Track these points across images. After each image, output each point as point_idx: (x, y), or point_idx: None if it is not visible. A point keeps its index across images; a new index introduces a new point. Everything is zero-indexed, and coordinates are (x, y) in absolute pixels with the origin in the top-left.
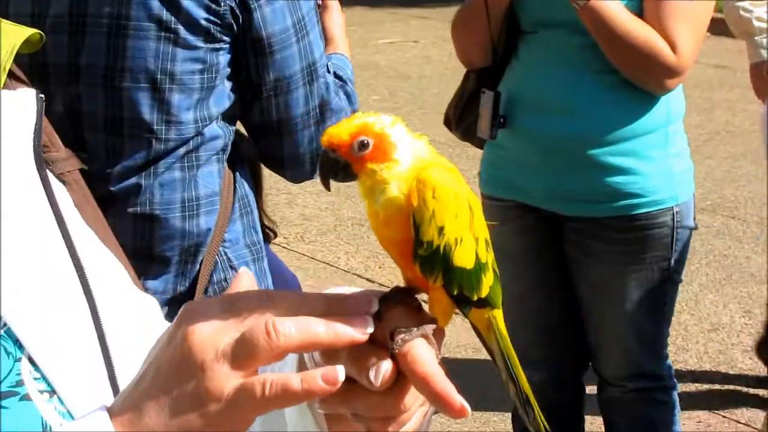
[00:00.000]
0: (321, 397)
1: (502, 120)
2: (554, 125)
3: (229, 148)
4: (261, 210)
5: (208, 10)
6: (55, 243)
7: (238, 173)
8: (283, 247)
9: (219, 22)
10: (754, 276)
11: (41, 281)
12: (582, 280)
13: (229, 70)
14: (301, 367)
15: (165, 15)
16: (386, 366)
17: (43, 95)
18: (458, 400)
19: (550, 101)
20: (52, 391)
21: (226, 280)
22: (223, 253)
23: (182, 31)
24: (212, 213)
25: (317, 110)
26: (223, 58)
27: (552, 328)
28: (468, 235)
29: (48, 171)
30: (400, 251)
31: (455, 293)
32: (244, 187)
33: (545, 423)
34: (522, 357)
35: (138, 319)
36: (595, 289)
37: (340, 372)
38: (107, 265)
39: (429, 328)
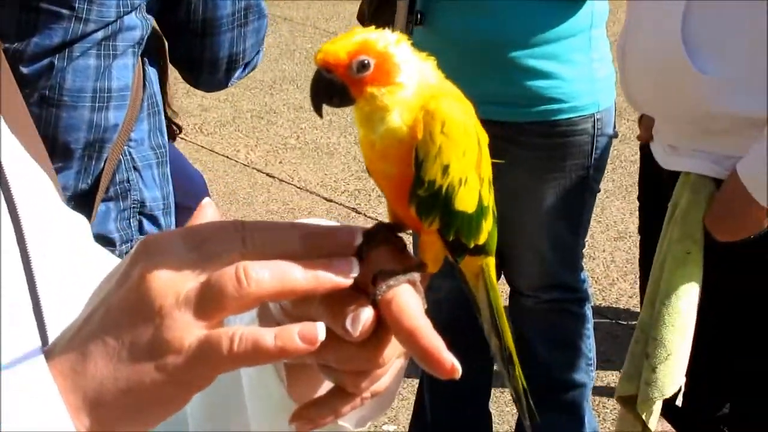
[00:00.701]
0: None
1: (419, 17)
2: (473, 25)
3: (145, 42)
4: (167, 106)
5: None
6: None
7: (148, 71)
8: (182, 139)
9: None
10: None
11: None
12: (499, 186)
13: None
14: (263, 311)
15: None
16: (367, 314)
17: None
18: (449, 358)
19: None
20: None
21: (128, 180)
22: (127, 152)
23: None
24: (121, 108)
25: (242, 12)
26: None
27: None
28: (473, 176)
29: None
30: (394, 188)
31: (451, 239)
32: (153, 86)
33: (524, 382)
34: None
35: (67, 240)
36: (512, 196)
37: (320, 330)
38: (33, 178)
39: (417, 275)
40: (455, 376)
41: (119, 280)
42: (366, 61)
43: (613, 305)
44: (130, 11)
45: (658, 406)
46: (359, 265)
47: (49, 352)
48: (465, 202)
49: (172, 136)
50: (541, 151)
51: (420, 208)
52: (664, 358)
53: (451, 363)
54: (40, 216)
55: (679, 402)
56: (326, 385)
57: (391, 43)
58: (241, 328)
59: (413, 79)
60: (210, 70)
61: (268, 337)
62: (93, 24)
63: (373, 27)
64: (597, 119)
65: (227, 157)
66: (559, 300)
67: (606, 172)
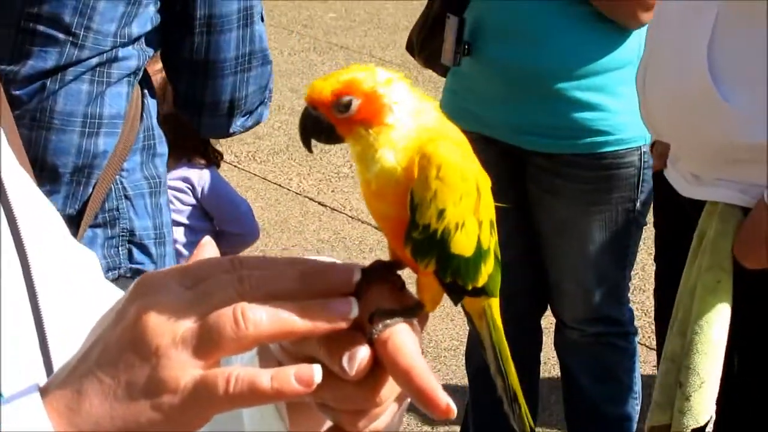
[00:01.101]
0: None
1: (466, 47)
2: (521, 55)
3: (141, 72)
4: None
5: None
6: None
7: (148, 102)
8: (234, 166)
9: None
10: None
11: None
12: (544, 219)
13: None
14: (262, 348)
15: None
16: (363, 353)
17: None
18: (444, 398)
19: (518, 30)
20: None
21: (117, 209)
22: (119, 181)
23: None
24: (112, 135)
25: (246, 57)
26: None
27: (510, 266)
28: (471, 220)
29: None
30: (391, 228)
31: (448, 281)
32: (152, 118)
33: (531, 422)
34: None
35: (75, 275)
36: (557, 228)
37: (316, 372)
38: (42, 215)
39: (414, 312)
40: (450, 416)
41: (116, 318)
42: (348, 101)
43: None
44: (128, 43)
45: None
46: (357, 304)
47: (45, 389)
48: (462, 245)
49: (216, 164)
50: (587, 184)
51: (415, 250)
52: (698, 386)
53: (446, 403)
54: (47, 250)
55: (710, 430)
56: (329, 424)
57: (380, 82)
58: (238, 369)
59: (406, 120)
60: (211, 113)
61: (265, 378)
62: (88, 51)
63: (369, 66)
64: (643, 152)
65: (279, 185)
66: (604, 333)
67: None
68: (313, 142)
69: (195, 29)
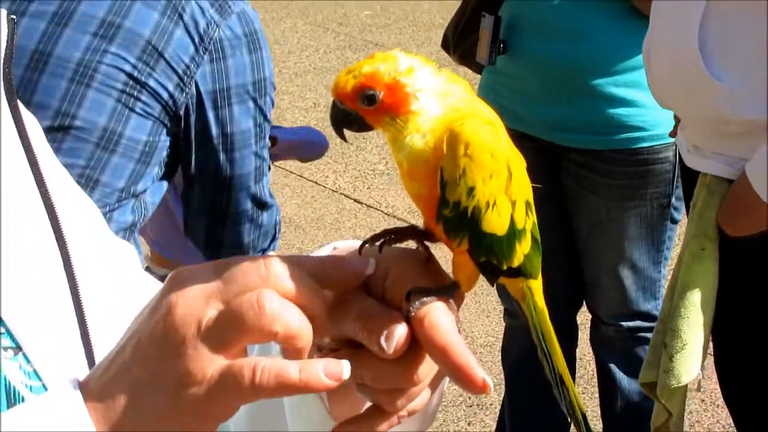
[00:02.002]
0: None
1: (501, 45)
2: (556, 52)
3: (140, 225)
4: None
5: (175, 86)
6: (26, 185)
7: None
8: (271, 164)
9: (173, 109)
10: None
11: (7, 227)
12: (579, 215)
13: (165, 154)
14: None
15: (136, 73)
16: (401, 331)
17: (14, 16)
18: (480, 374)
19: (553, 27)
20: (18, 348)
21: None
22: None
23: (144, 97)
24: None
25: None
26: (164, 138)
27: (546, 262)
28: (503, 199)
29: (19, 101)
30: (425, 207)
31: (482, 260)
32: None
33: (582, 406)
34: None
35: (114, 268)
36: (593, 224)
37: (345, 368)
38: (81, 209)
39: (450, 291)
40: (486, 392)
41: (150, 312)
42: (371, 94)
43: None
44: (129, 199)
45: (682, 393)
46: (389, 283)
47: (85, 383)
48: (493, 224)
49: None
50: (622, 179)
51: (447, 228)
52: (681, 348)
53: (483, 378)
54: (86, 242)
55: (694, 388)
56: (368, 404)
57: (401, 72)
58: (264, 359)
59: (432, 105)
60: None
61: (293, 370)
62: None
63: (391, 54)
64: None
65: (315, 182)
66: (640, 329)
67: None
68: (347, 132)
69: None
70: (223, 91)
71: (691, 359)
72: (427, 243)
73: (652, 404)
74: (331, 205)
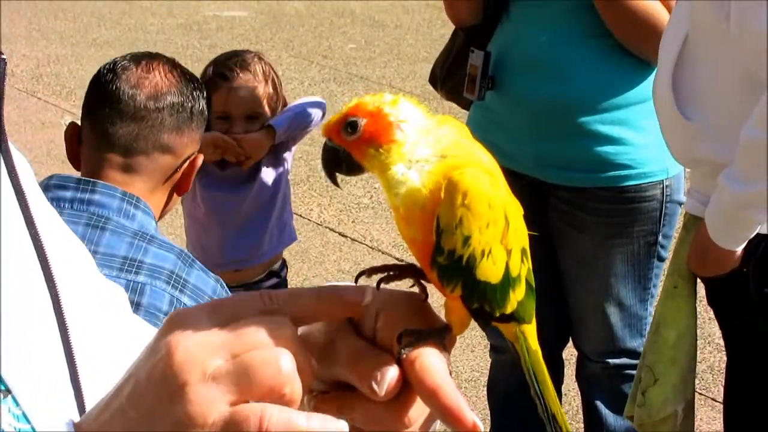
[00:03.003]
0: (314, 404)
1: (490, 81)
2: (544, 89)
3: None
4: None
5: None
6: (16, 224)
7: None
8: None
9: None
10: None
11: None
12: (566, 252)
13: None
14: None
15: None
16: (392, 373)
17: (5, 56)
18: (470, 416)
19: (542, 64)
20: (6, 390)
21: None
22: None
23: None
24: None
25: None
26: None
27: None
28: (498, 248)
29: (9, 142)
30: (419, 251)
31: (474, 306)
32: None
33: None
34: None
35: (104, 310)
36: (579, 261)
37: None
38: (70, 250)
39: (442, 334)
40: None
41: (147, 354)
42: (353, 121)
43: None
44: None
45: (669, 427)
46: (381, 325)
47: (79, 425)
48: (488, 272)
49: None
50: (609, 217)
51: (441, 275)
52: (652, 383)
53: (473, 420)
54: (77, 284)
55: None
56: None
57: (385, 102)
58: (271, 407)
59: (415, 136)
60: None
61: (302, 421)
62: None
63: (379, 93)
64: (666, 185)
65: (300, 215)
66: (626, 366)
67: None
68: (339, 176)
69: None
70: None
71: (663, 396)
72: (424, 283)
73: None
74: (316, 239)
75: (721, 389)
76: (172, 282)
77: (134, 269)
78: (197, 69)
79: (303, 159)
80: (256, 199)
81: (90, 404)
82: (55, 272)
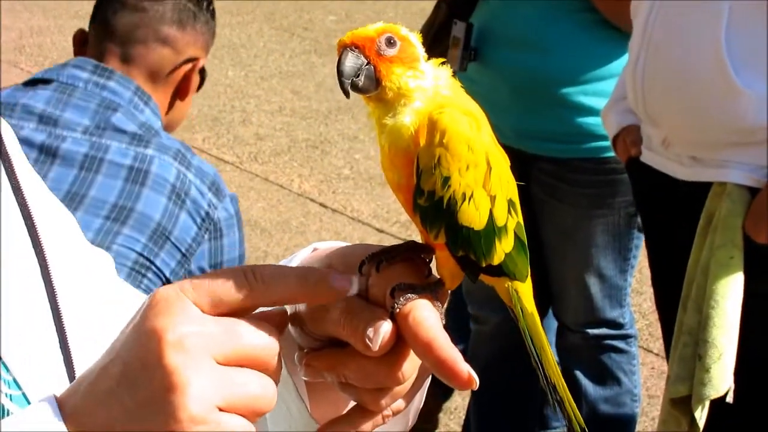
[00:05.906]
0: (306, 361)
1: (473, 53)
2: (527, 61)
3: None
4: None
5: (177, 263)
6: (4, 192)
7: None
8: (236, 167)
9: (208, 225)
10: None
11: None
12: (547, 223)
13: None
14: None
15: (146, 252)
16: (386, 327)
17: None
18: (465, 368)
19: (524, 36)
20: None
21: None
22: None
23: (150, 275)
24: None
25: None
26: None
27: None
28: (481, 192)
29: None
30: (404, 198)
31: (459, 254)
32: None
33: (580, 420)
34: (481, 298)
35: (91, 275)
36: (560, 232)
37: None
38: (58, 217)
39: (434, 288)
40: (472, 386)
41: (134, 335)
42: (393, 39)
43: (660, 340)
44: None
45: (706, 406)
46: (375, 279)
47: (65, 399)
48: (470, 217)
49: None
50: (590, 188)
51: (423, 218)
52: (717, 358)
53: (468, 373)
54: (63, 249)
55: (729, 399)
56: (350, 405)
57: (412, 34)
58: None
59: (430, 74)
60: None
61: None
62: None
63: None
64: None
65: (281, 186)
66: (605, 336)
67: None
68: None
69: None
70: (216, 266)
71: (727, 368)
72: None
73: (616, 412)
74: (297, 209)
75: None
76: (179, 159)
77: (143, 144)
78: None
79: (284, 130)
80: None
81: (80, 370)
82: (43, 239)
